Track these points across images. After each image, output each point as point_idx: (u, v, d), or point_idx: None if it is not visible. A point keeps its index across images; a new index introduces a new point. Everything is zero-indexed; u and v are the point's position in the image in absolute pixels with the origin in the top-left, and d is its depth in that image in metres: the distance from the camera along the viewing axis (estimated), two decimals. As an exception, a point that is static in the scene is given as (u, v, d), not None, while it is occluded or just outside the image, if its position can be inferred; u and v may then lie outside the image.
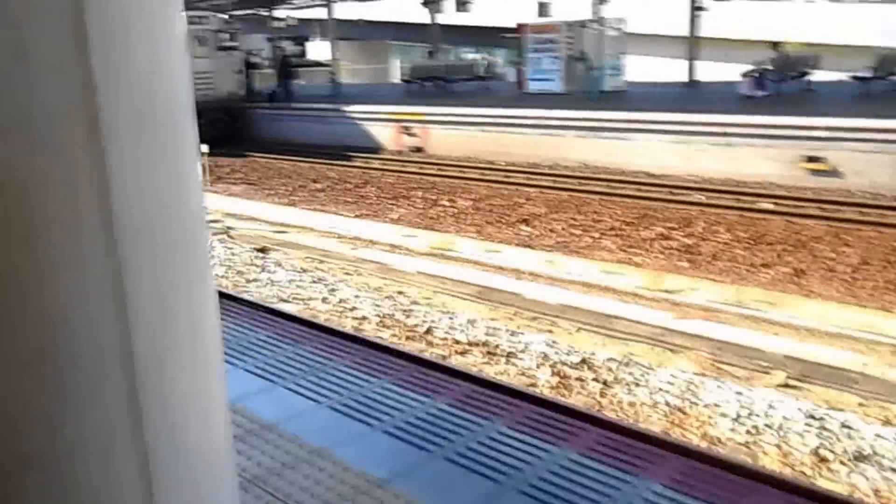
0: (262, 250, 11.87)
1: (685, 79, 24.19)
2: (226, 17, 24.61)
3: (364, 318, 8.86)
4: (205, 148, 18.42)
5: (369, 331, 8.47)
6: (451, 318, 8.67)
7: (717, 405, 6.55)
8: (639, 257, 11.44)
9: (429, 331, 8.39)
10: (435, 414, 4.89)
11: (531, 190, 15.76)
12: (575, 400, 6.81)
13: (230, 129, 23.15)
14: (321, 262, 11.81)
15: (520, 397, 5.52)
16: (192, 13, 23.33)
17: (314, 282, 10.09)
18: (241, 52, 25.14)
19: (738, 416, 6.37)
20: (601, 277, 10.51)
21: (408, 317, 8.80)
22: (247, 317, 6.94)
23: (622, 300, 9.69)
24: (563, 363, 7.48)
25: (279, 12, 32.00)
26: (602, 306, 9.45)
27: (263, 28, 32.72)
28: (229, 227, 14.03)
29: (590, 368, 7.39)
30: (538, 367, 7.48)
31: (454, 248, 12.21)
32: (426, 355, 7.49)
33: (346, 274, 11.20)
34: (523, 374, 7.40)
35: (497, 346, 7.93)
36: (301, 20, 34.15)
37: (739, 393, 6.74)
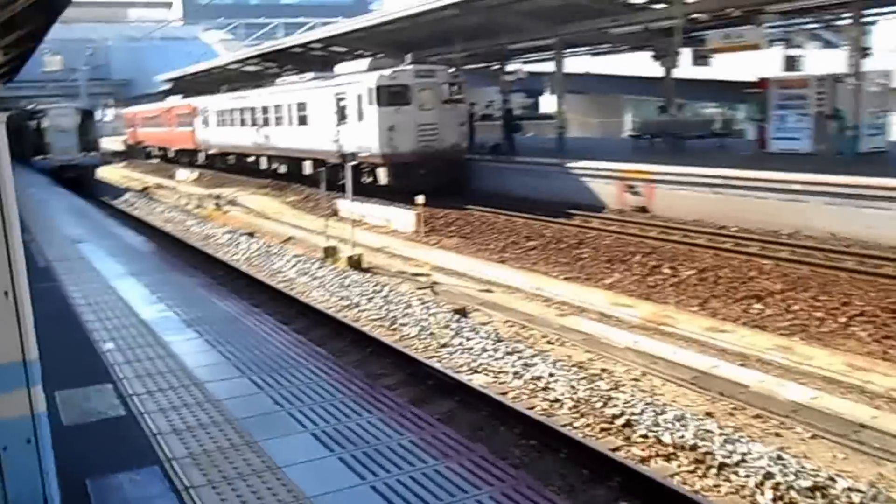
0: (462, 312, 11.30)
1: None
2: (454, 69, 24.87)
3: (557, 400, 7.93)
4: (420, 199, 18.49)
5: (561, 417, 7.53)
6: (657, 411, 7.51)
7: None
8: (897, 352, 9.58)
9: (629, 424, 7.30)
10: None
11: (766, 262, 14.02)
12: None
13: (450, 181, 23.23)
14: (522, 327, 11.03)
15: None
16: (420, 67, 23.82)
17: (509, 353, 9.30)
18: (466, 104, 25.29)
19: None
20: (847, 373, 8.90)
21: (607, 404, 7.75)
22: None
23: (873, 405, 8.06)
24: (791, 486, 6.12)
25: (511, 66, 32.08)
26: (846, 410, 7.92)
27: (496, 81, 33.00)
28: (435, 283, 13.66)
29: (825, 497, 5.97)
30: (757, 486, 6.16)
31: (672, 324, 10.98)
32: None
33: (548, 343, 10.34)
34: (738, 493, 6.12)
35: (708, 453, 6.70)
36: (532, 73, 34.06)
37: None
